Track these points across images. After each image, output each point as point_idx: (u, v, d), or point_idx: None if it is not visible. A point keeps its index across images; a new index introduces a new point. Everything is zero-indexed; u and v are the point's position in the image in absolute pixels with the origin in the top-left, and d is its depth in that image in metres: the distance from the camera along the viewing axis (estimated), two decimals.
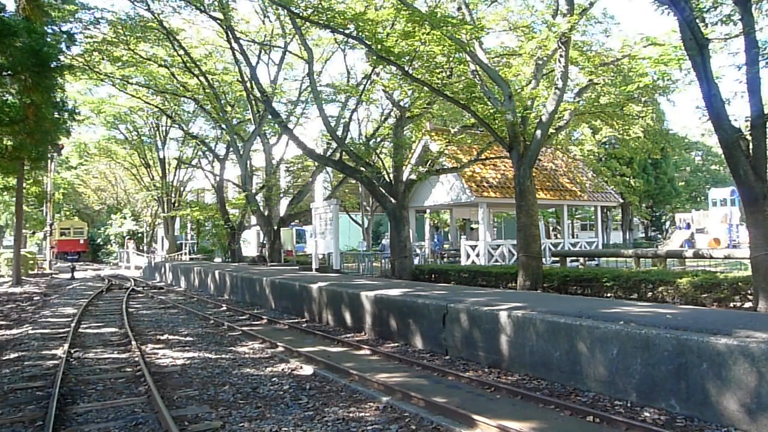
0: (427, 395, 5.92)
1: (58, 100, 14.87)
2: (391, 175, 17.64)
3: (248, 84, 21.85)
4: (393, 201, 16.56)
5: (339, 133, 18.91)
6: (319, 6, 13.72)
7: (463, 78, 14.75)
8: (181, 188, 39.41)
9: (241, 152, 24.90)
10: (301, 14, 14.32)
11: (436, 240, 23.43)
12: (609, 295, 11.29)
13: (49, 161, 27.17)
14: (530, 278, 12.29)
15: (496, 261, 18.87)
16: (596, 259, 19.48)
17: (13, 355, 8.72)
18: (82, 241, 43.30)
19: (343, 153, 18.49)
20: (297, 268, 20.82)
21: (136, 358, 8.18)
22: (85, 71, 23.01)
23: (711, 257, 13.67)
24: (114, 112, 33.30)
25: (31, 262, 31.12)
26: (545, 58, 13.10)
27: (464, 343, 7.96)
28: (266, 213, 25.78)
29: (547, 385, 6.50)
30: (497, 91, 13.12)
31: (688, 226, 29.65)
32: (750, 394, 4.83)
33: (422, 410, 5.58)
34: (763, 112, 8.04)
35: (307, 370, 7.53)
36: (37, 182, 27.04)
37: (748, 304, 9.10)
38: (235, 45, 20.76)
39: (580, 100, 14.70)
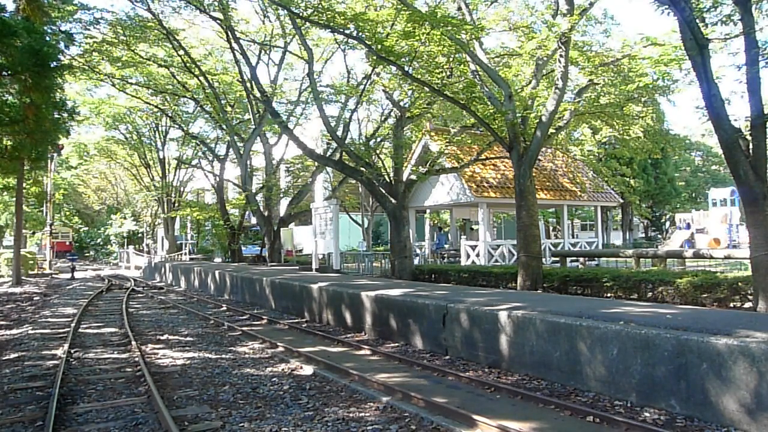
0: (427, 395, 5.92)
1: (58, 100, 14.86)
2: (391, 176, 17.63)
3: (248, 84, 21.84)
4: (393, 201, 16.55)
5: (339, 133, 18.90)
6: (319, 6, 13.73)
7: (463, 78, 14.74)
8: (181, 188, 39.40)
9: (241, 152, 24.90)
10: (301, 14, 14.33)
11: (437, 240, 23.40)
12: (609, 295, 11.29)
13: (49, 161, 27.14)
14: (530, 278, 12.29)
15: (496, 261, 18.86)
16: (596, 259, 19.47)
17: (13, 355, 8.72)
18: (68, 243, 55.08)
19: (343, 153, 18.48)
20: (297, 268, 20.82)
21: (136, 358, 8.18)
22: (85, 71, 23.03)
23: (711, 257, 13.66)
24: (113, 112, 33.26)
25: (31, 262, 31.10)
26: (545, 58, 13.10)
27: (464, 343, 7.96)
28: (266, 213, 25.78)
29: (547, 385, 6.50)
30: (497, 91, 13.12)
31: (688, 226, 29.66)
32: (750, 394, 4.83)
33: (422, 410, 5.58)
34: (763, 112, 8.03)
35: (307, 370, 7.53)
36: (37, 182, 27.06)
37: (748, 304, 9.11)
38: (235, 45, 20.76)
39: (580, 100, 14.68)
